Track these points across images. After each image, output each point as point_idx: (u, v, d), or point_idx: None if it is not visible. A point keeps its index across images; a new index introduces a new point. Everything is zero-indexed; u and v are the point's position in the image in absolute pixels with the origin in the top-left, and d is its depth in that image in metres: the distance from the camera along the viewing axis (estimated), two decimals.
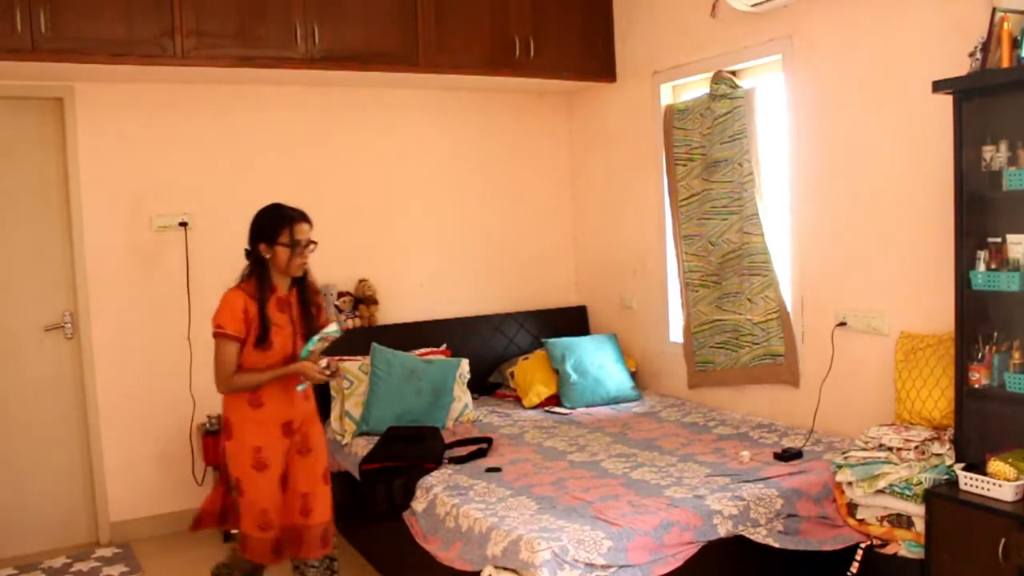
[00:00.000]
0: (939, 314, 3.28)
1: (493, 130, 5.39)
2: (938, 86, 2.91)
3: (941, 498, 2.84)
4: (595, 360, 4.85)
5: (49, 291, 4.40)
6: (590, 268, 5.56)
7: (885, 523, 3.06)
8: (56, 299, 4.41)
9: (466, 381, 4.63)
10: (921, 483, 2.93)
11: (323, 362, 3.09)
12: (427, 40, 4.58)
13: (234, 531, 3.25)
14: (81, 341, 4.42)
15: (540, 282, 5.56)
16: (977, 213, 2.91)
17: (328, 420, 4.54)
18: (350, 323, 4.81)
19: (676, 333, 4.85)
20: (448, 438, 4.11)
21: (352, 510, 4.14)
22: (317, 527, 3.14)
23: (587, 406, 4.71)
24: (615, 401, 4.76)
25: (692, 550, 2.94)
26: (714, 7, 4.30)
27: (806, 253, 4.00)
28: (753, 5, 3.95)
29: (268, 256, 3.05)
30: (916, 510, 2.94)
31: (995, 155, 2.85)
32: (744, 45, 4.20)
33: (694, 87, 4.68)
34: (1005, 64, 2.75)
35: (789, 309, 4.11)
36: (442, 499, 3.36)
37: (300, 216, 3.09)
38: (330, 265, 4.82)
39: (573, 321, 5.47)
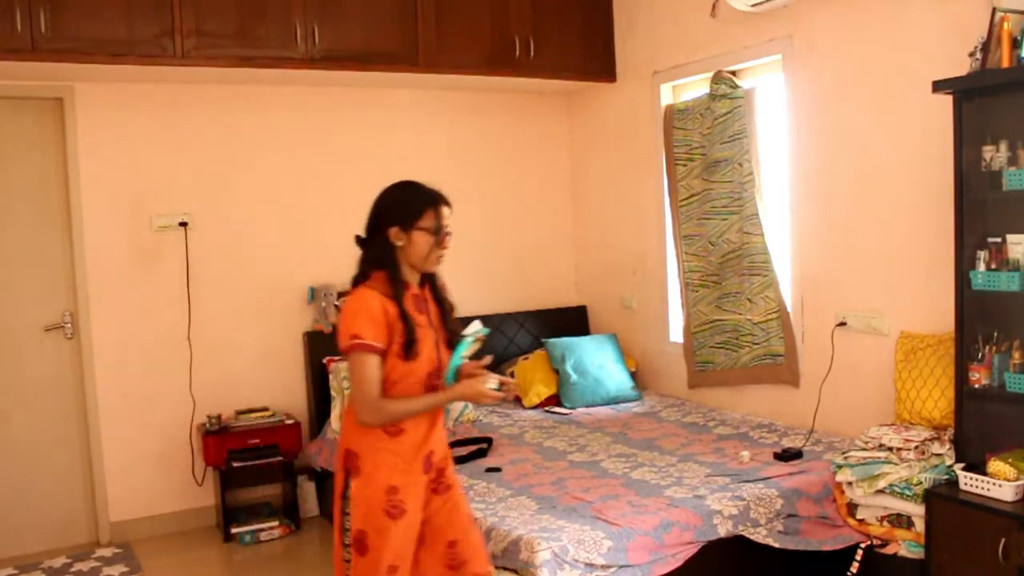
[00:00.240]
0: (939, 314, 3.28)
1: (493, 130, 5.38)
2: (938, 86, 2.91)
3: (941, 498, 2.84)
4: (595, 360, 4.85)
5: (49, 291, 4.40)
6: (590, 268, 5.56)
7: (885, 523, 3.06)
8: (56, 299, 4.41)
9: None
10: (921, 483, 2.93)
11: (492, 381, 2.48)
12: (427, 40, 4.58)
13: None
14: (81, 341, 4.42)
15: (540, 282, 5.56)
16: (977, 213, 2.91)
17: (328, 420, 4.55)
18: None
19: (676, 333, 4.85)
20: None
21: None
22: None
23: (587, 406, 4.71)
24: (615, 401, 4.76)
25: (692, 550, 2.94)
26: (714, 7, 4.30)
27: (806, 253, 4.00)
28: (753, 5, 3.95)
29: (400, 244, 2.46)
30: (916, 510, 2.94)
31: (995, 155, 2.85)
32: (744, 45, 4.20)
33: (694, 87, 4.68)
34: (1005, 64, 2.75)
35: (789, 309, 4.11)
36: None
37: (444, 198, 2.56)
38: (330, 265, 4.82)
39: (573, 321, 5.47)
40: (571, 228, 5.67)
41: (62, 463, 4.44)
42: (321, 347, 4.73)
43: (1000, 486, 2.69)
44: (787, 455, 3.55)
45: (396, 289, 2.42)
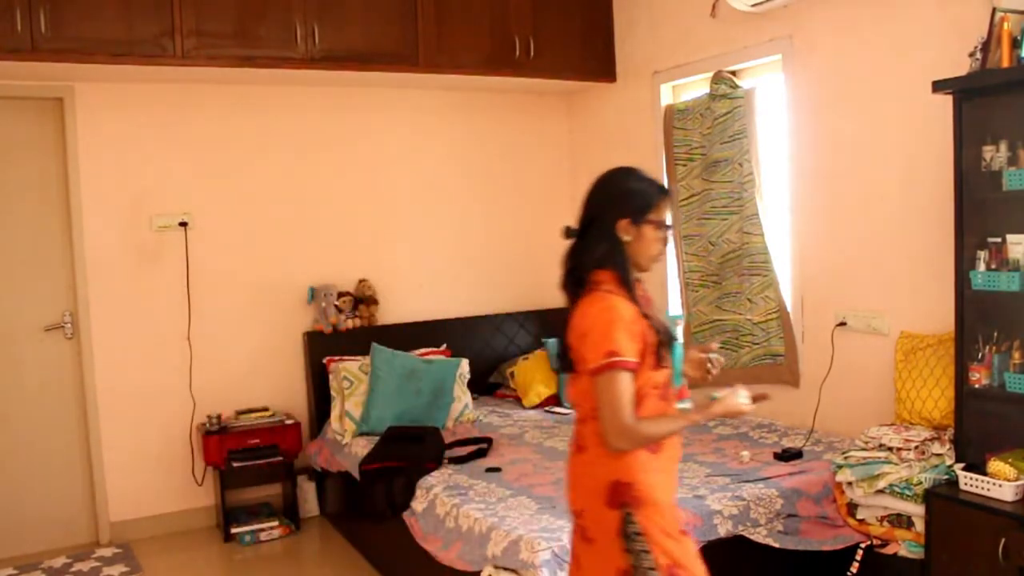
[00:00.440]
0: (939, 314, 3.28)
1: (493, 130, 5.38)
2: (938, 86, 2.91)
3: (941, 498, 2.83)
4: None
5: (49, 291, 4.40)
6: None
7: (885, 523, 3.06)
8: (56, 299, 4.41)
9: (466, 381, 4.63)
10: (921, 483, 2.93)
11: (742, 389, 2.19)
12: (427, 40, 4.58)
13: None
14: (81, 341, 4.42)
15: (540, 282, 5.54)
16: (977, 213, 2.91)
17: (328, 420, 4.55)
18: (349, 323, 4.80)
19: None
20: (448, 438, 4.11)
21: (352, 510, 4.14)
22: None
23: None
24: None
25: None
26: (714, 7, 4.30)
27: (806, 253, 4.00)
28: (753, 5, 3.95)
29: (628, 239, 2.15)
30: (916, 510, 2.93)
31: (995, 155, 2.84)
32: (744, 45, 4.20)
33: (694, 87, 4.68)
34: (1005, 64, 2.75)
35: (789, 309, 4.11)
36: (442, 499, 3.36)
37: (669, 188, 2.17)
38: (330, 265, 4.82)
39: None
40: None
41: (62, 463, 4.44)
42: (321, 347, 4.73)
43: (1000, 486, 2.69)
44: (787, 455, 3.55)
45: (631, 292, 2.11)
